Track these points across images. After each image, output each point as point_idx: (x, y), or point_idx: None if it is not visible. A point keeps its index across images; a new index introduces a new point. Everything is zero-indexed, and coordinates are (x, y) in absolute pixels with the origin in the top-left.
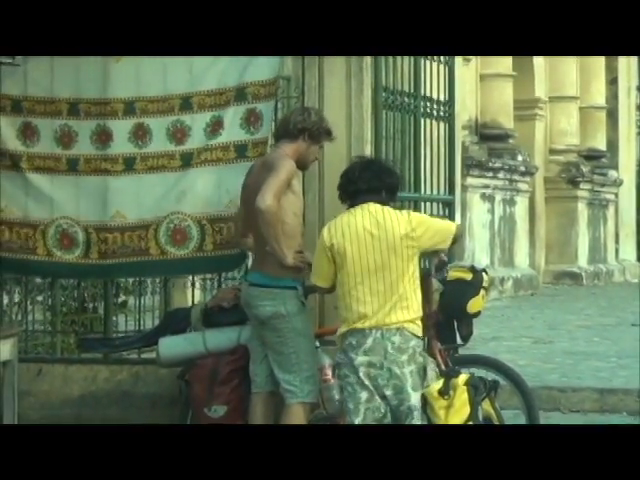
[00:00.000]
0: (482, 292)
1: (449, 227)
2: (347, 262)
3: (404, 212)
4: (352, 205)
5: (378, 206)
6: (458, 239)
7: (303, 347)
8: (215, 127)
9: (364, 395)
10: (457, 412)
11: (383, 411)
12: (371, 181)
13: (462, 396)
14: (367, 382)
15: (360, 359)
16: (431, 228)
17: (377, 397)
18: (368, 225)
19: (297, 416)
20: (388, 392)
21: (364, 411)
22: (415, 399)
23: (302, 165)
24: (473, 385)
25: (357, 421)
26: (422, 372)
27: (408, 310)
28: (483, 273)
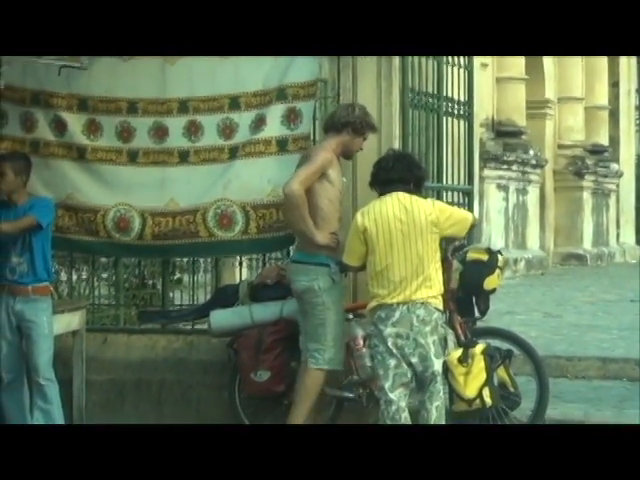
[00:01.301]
0: (497, 271)
1: (467, 218)
2: (378, 245)
3: (429, 201)
4: (383, 193)
5: (407, 195)
6: (473, 228)
7: (330, 319)
8: (259, 123)
9: (392, 362)
10: (475, 378)
11: (409, 376)
12: (402, 172)
13: (479, 364)
14: (395, 351)
15: (389, 330)
16: (452, 217)
17: (404, 364)
18: (397, 212)
19: (313, 380)
20: (414, 359)
21: (393, 376)
22: (438, 365)
23: (347, 155)
24: (489, 354)
25: (387, 385)
26: (443, 342)
27: (431, 288)
28: (498, 254)
